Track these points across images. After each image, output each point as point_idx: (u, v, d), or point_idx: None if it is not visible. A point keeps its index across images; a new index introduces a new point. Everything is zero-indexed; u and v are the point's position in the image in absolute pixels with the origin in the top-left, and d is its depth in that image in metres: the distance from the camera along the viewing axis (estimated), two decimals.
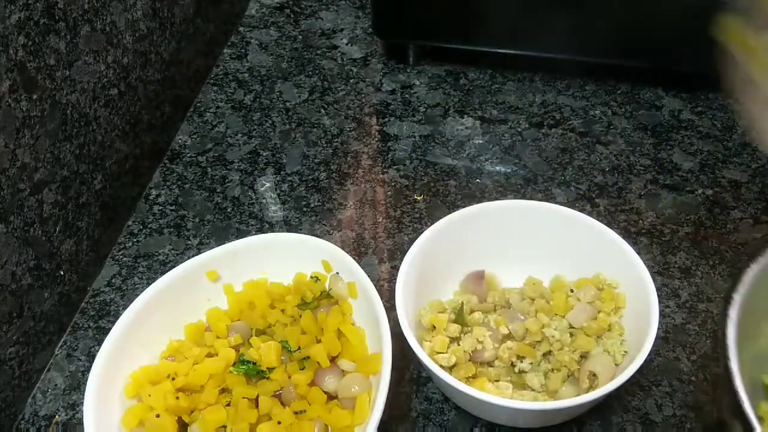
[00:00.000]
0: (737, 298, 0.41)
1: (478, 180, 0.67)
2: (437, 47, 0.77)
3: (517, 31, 0.70)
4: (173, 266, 0.54)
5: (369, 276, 0.51)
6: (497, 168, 0.68)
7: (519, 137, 0.70)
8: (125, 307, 0.51)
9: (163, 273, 0.53)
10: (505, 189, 0.66)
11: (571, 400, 0.45)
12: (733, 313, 0.41)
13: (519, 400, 0.48)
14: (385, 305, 0.50)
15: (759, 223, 0.62)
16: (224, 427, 0.47)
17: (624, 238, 0.52)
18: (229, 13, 0.83)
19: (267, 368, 0.50)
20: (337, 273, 0.53)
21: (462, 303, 0.53)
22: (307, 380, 0.49)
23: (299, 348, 0.51)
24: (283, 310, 0.53)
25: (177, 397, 0.48)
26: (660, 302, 0.48)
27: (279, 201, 0.66)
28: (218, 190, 0.67)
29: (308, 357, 0.50)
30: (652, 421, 0.51)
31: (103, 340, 0.49)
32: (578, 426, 0.51)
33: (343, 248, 0.53)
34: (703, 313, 0.56)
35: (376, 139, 0.71)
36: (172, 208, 0.66)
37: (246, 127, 0.73)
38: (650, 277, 0.50)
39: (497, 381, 0.50)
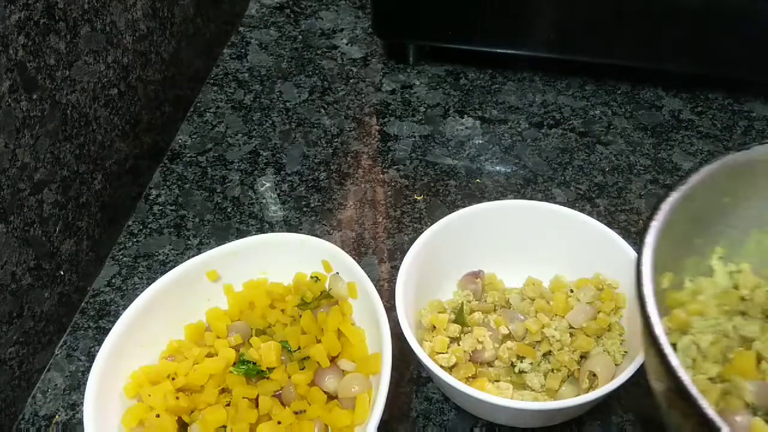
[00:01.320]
0: (655, 224, 0.41)
1: (478, 180, 0.67)
2: (437, 47, 0.77)
3: (517, 31, 0.70)
4: (173, 266, 0.54)
5: (369, 276, 0.51)
6: (497, 168, 0.68)
7: (519, 137, 0.70)
8: (125, 307, 0.51)
9: (163, 273, 0.53)
10: (505, 189, 0.66)
11: (571, 400, 0.45)
12: (650, 239, 0.40)
13: (519, 400, 0.48)
14: (385, 305, 0.50)
15: None
16: (224, 427, 0.47)
17: (624, 238, 0.52)
18: (229, 13, 0.83)
19: (267, 368, 0.50)
20: (337, 273, 0.53)
21: (462, 303, 0.53)
22: (307, 380, 0.49)
23: (299, 348, 0.51)
24: (283, 310, 0.53)
25: (177, 397, 0.48)
26: None
27: (279, 201, 0.66)
28: (218, 190, 0.67)
29: (308, 357, 0.50)
30: (652, 421, 0.51)
31: (103, 340, 0.49)
32: (578, 426, 0.51)
33: (343, 248, 0.53)
34: None
35: (376, 139, 0.71)
36: (172, 208, 0.66)
37: (246, 127, 0.73)
38: None
39: (497, 381, 0.50)
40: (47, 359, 0.56)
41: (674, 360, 0.34)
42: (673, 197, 0.41)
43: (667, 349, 0.34)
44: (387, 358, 0.47)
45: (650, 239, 0.40)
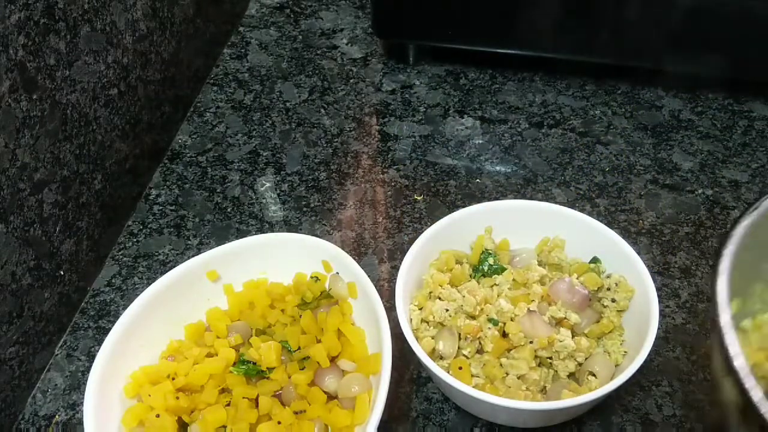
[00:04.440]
0: (728, 251, 0.41)
1: (478, 180, 0.67)
2: (437, 47, 0.77)
3: (517, 31, 0.70)
4: (173, 266, 0.54)
5: (369, 276, 0.51)
6: (497, 168, 0.68)
7: (519, 137, 0.70)
8: (125, 307, 0.51)
9: (163, 273, 0.53)
10: (505, 189, 0.66)
11: (571, 400, 0.45)
12: (724, 265, 0.40)
13: (519, 400, 0.48)
14: (385, 305, 0.50)
15: None
16: (224, 427, 0.47)
17: (624, 238, 0.52)
18: (229, 13, 0.83)
19: (267, 368, 0.50)
20: (337, 273, 0.54)
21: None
22: (307, 380, 0.49)
23: (299, 348, 0.51)
24: (283, 310, 0.53)
25: (177, 397, 0.48)
26: (660, 302, 0.48)
27: (279, 201, 0.66)
28: (218, 190, 0.67)
29: (308, 357, 0.50)
30: (652, 421, 0.51)
31: (103, 340, 0.49)
32: (578, 426, 0.51)
33: (343, 248, 0.53)
34: (703, 313, 0.56)
35: (376, 139, 0.71)
36: (172, 208, 0.66)
37: (246, 127, 0.73)
38: (650, 277, 0.50)
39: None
40: (47, 359, 0.56)
41: (756, 394, 0.35)
42: (745, 223, 0.41)
43: (749, 383, 0.35)
44: (387, 358, 0.47)
45: (724, 266, 0.39)
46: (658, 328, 0.47)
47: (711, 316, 0.38)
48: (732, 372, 0.36)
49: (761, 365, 0.42)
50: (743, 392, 0.35)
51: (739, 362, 0.36)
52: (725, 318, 0.38)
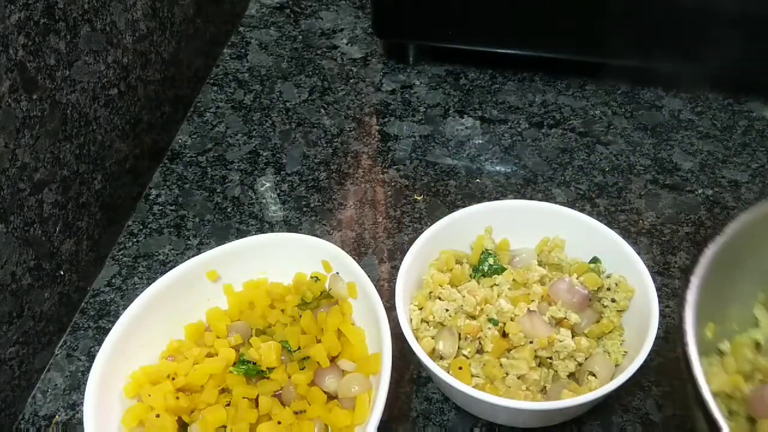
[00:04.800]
0: (695, 281, 0.40)
1: (478, 180, 0.67)
2: (437, 47, 0.77)
3: (517, 31, 0.70)
4: (173, 266, 0.54)
5: (369, 276, 0.51)
6: (497, 168, 0.68)
7: (519, 137, 0.70)
8: (125, 307, 0.51)
9: (163, 273, 0.53)
10: (505, 189, 0.66)
11: (571, 400, 0.45)
12: (691, 296, 0.40)
13: (519, 400, 0.48)
14: (385, 305, 0.50)
15: None
16: (224, 427, 0.48)
17: (624, 238, 0.52)
18: (229, 13, 0.83)
19: (267, 368, 0.50)
20: (337, 273, 0.54)
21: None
22: (307, 380, 0.49)
23: (299, 348, 0.51)
24: (283, 310, 0.53)
25: (177, 397, 0.48)
26: (660, 302, 0.48)
27: (279, 201, 0.66)
28: (218, 190, 0.67)
29: (308, 357, 0.50)
30: (652, 421, 0.51)
31: (103, 340, 0.49)
32: (578, 426, 0.51)
33: (343, 248, 0.53)
34: None
35: (376, 139, 0.71)
36: (172, 208, 0.66)
37: (246, 127, 0.73)
38: (650, 277, 0.50)
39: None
40: (47, 359, 0.56)
41: (724, 426, 0.35)
42: (712, 250, 0.41)
43: (717, 414, 0.35)
44: (387, 358, 0.47)
45: (692, 296, 0.39)
46: (658, 328, 0.47)
47: (680, 346, 0.38)
48: (701, 403, 0.36)
49: (740, 387, 0.42)
50: (711, 423, 0.35)
51: (707, 394, 0.36)
52: (693, 349, 0.38)
